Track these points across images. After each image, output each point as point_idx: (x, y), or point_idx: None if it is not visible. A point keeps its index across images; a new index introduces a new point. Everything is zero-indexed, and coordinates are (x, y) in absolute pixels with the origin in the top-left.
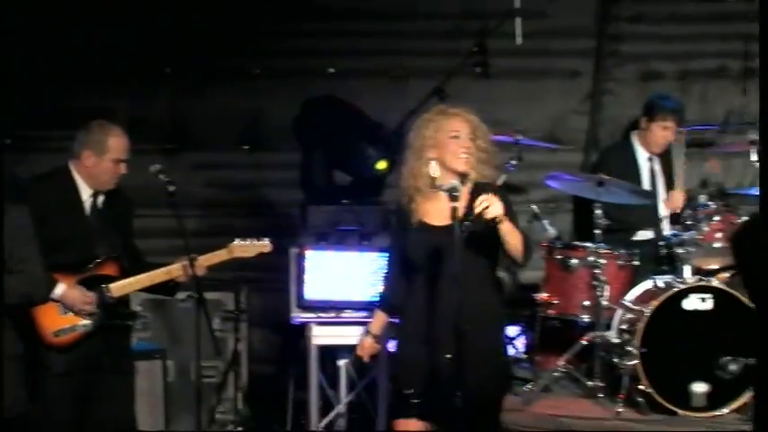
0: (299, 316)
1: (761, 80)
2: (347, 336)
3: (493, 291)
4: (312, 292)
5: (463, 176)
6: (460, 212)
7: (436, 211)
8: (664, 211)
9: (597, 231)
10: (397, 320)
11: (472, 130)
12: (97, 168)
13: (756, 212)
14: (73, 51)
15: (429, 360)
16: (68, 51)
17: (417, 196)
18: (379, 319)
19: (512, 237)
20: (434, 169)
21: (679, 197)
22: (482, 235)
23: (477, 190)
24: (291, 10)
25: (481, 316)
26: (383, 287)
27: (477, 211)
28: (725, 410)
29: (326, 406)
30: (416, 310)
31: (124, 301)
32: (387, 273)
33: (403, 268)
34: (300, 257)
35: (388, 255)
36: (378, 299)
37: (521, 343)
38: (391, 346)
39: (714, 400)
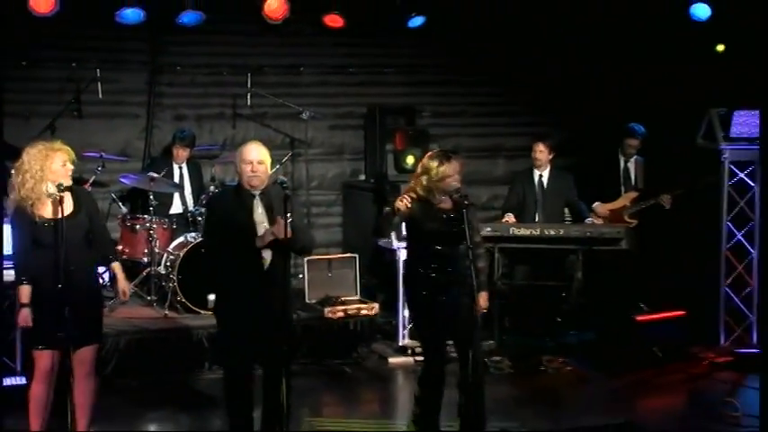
0: None
1: (762, 87)
2: None
3: (87, 253)
4: None
5: (61, 185)
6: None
7: (47, 210)
8: (189, 195)
9: (151, 208)
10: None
11: (67, 160)
12: None
13: None
14: None
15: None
16: None
17: (37, 200)
18: (26, 290)
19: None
20: (51, 187)
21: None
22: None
23: None
24: None
25: (81, 266)
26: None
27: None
28: None
29: None
30: (44, 272)
31: None
32: (20, 249)
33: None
34: None
35: (17, 240)
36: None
37: (106, 276)
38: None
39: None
